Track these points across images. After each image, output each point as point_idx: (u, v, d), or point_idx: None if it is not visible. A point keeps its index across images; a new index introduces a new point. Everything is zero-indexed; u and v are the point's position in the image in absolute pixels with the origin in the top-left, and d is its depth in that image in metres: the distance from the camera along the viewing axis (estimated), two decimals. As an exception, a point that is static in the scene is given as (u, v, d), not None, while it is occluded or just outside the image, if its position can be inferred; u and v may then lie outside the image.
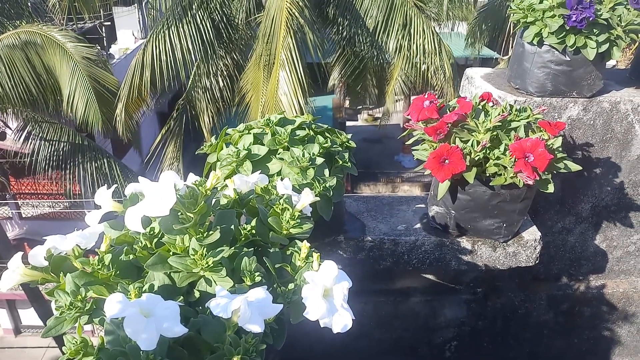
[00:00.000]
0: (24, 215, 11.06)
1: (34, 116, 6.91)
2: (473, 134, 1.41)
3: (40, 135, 6.90)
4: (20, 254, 0.95)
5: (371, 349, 1.92)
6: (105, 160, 7.05)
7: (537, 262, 1.62)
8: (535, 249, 1.60)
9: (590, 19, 1.46)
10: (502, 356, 2.06)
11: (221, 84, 7.57)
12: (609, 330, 2.05)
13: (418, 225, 1.65)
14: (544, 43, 1.57)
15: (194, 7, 6.86)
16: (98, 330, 8.13)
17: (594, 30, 1.50)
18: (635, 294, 1.98)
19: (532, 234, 1.61)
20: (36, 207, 11.11)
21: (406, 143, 1.55)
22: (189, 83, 7.64)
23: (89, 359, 0.82)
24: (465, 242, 1.58)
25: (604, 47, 1.52)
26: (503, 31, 9.77)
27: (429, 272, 1.82)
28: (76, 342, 0.82)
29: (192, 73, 7.55)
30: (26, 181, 10.42)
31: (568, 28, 1.50)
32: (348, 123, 15.22)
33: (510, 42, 9.67)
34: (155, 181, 0.95)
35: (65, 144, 6.94)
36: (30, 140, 6.98)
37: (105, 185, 1.12)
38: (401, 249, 1.59)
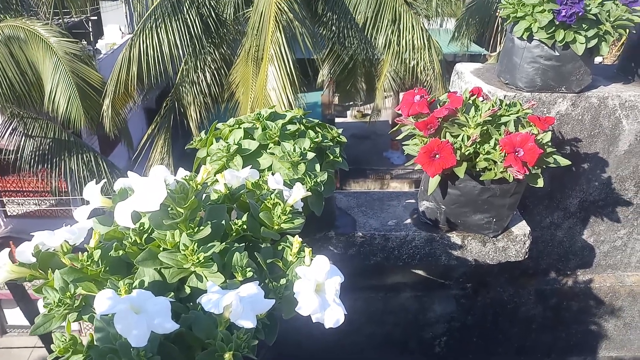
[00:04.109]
0: (9, 214, 10.91)
1: (19, 112, 6.80)
2: (463, 128, 1.41)
3: (25, 131, 6.79)
4: (7, 250, 0.93)
5: (362, 344, 1.92)
6: (92, 157, 6.97)
7: (526, 256, 1.63)
8: (524, 243, 1.60)
9: (580, 14, 1.47)
10: (491, 351, 2.07)
11: (209, 79, 7.52)
12: (596, 325, 2.07)
13: (408, 221, 1.65)
14: (534, 38, 1.58)
15: (182, 1, 6.80)
16: (85, 329, 8.06)
17: (583, 26, 1.51)
18: (622, 289, 2.00)
19: (521, 228, 1.62)
20: (22, 205, 10.96)
21: (396, 138, 1.55)
22: (177, 79, 7.58)
23: (79, 357, 0.81)
24: (455, 237, 1.58)
25: (593, 42, 1.53)
26: (490, 27, 9.81)
27: (419, 268, 1.83)
28: (65, 339, 0.81)
29: (180, 68, 7.49)
30: (11, 179, 10.28)
31: (557, 23, 1.51)
32: (337, 120, 15.21)
33: (498, 38, 9.71)
34: (144, 177, 0.94)
35: (50, 140, 6.85)
36: (14, 137, 6.88)
37: (94, 180, 1.10)
38: (392, 244, 1.59)
